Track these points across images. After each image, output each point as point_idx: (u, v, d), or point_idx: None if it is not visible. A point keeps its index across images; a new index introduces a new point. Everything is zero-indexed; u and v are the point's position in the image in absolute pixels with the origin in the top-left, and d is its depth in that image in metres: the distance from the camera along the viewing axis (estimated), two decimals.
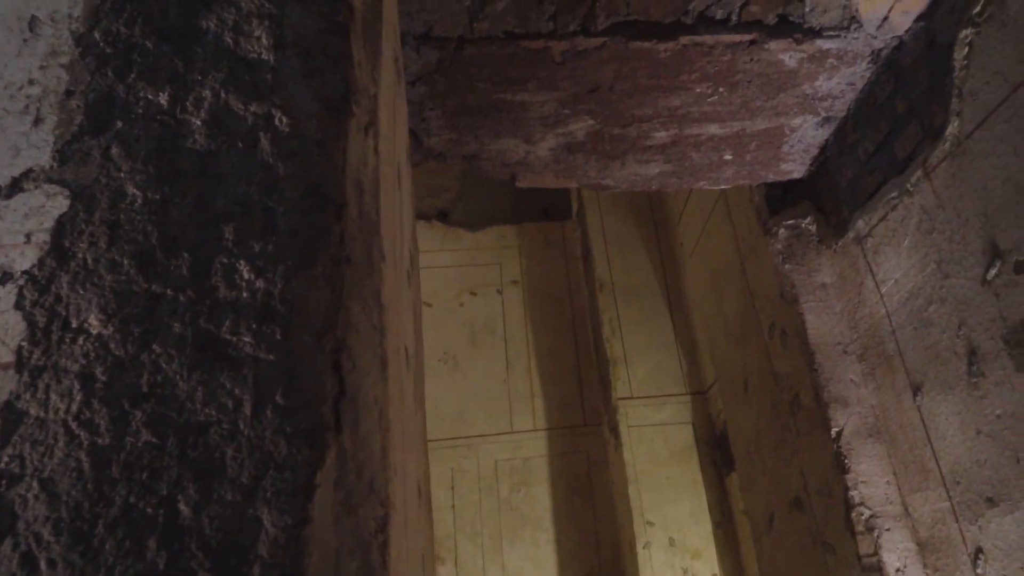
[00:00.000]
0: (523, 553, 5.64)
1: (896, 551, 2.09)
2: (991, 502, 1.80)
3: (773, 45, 2.10)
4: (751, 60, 2.15)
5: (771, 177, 2.65)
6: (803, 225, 2.58)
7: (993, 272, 1.76)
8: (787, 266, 2.51)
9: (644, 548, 5.01)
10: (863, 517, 2.15)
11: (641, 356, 5.60)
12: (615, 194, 6.27)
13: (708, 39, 2.08)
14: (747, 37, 2.08)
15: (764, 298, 2.66)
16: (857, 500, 2.16)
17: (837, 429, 2.26)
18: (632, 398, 5.50)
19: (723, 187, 2.67)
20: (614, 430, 5.44)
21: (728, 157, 2.53)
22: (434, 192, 7.06)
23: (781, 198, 2.68)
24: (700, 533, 5.05)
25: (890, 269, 2.18)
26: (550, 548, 5.65)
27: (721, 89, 2.24)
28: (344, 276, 0.86)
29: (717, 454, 5.13)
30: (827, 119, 2.41)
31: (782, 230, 2.57)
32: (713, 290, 3.13)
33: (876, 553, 2.10)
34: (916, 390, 2.08)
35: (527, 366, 6.28)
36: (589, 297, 6.21)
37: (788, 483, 2.53)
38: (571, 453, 5.96)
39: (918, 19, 2.03)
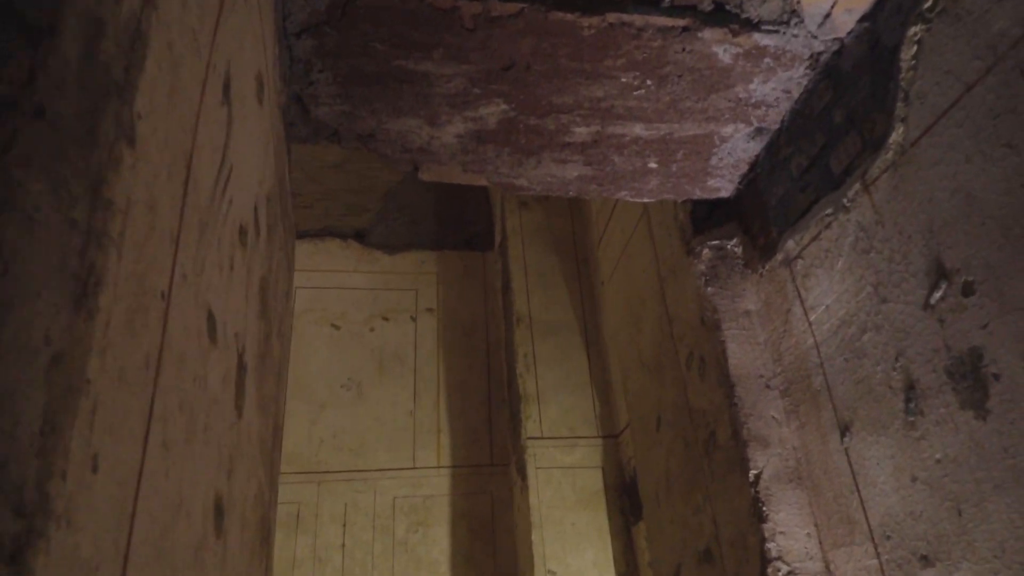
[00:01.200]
0: None
1: None
2: (926, 561, 1.56)
3: (707, 34, 1.89)
4: (683, 50, 1.93)
5: (697, 193, 2.43)
6: (728, 247, 2.36)
7: (937, 295, 1.55)
8: (710, 289, 2.28)
9: None
10: (780, 573, 1.88)
11: (554, 395, 5.32)
12: (539, 227, 6.06)
13: (637, 19, 1.85)
14: (680, 22, 1.86)
15: (684, 324, 2.42)
16: (774, 554, 1.90)
17: (756, 472, 2.00)
18: (542, 438, 5.20)
19: (646, 200, 2.44)
20: (521, 471, 5.12)
21: (653, 165, 2.30)
22: (353, 211, 6.72)
23: (707, 217, 2.46)
24: None
25: (821, 294, 1.96)
26: None
27: (649, 82, 2.01)
28: (18, 130, 0.52)
29: (626, 502, 4.87)
30: (760, 131, 2.21)
31: (706, 250, 2.35)
32: (629, 317, 2.88)
33: None
34: (844, 430, 1.85)
35: (436, 399, 5.92)
36: (506, 331, 5.94)
37: (699, 532, 2.25)
38: (475, 493, 5.60)
39: (862, 19, 1.85)
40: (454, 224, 6.91)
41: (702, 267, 2.32)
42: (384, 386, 5.92)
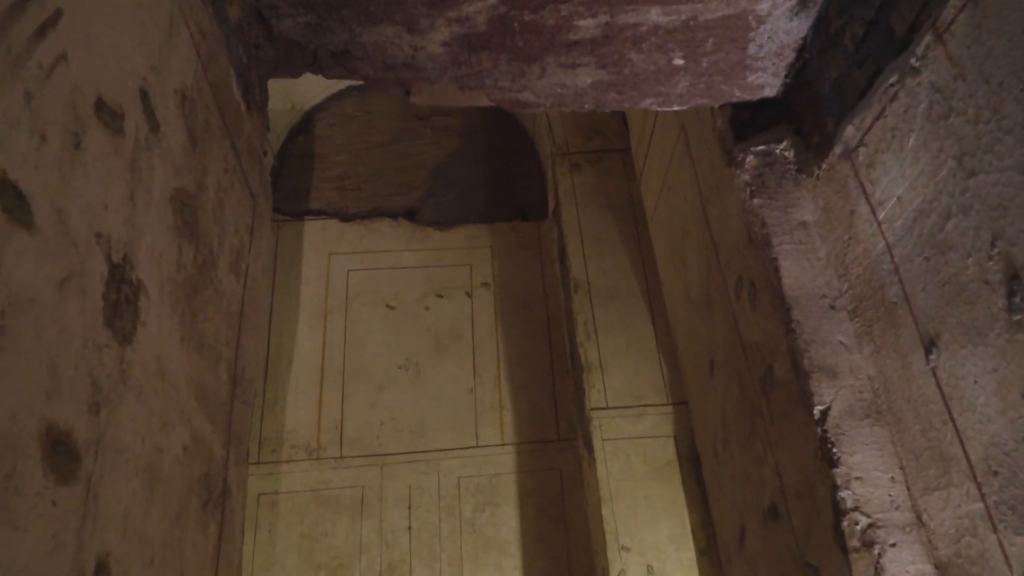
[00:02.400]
0: None
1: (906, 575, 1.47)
2: None
3: None
4: None
5: (737, 94, 2.07)
6: (777, 151, 1.99)
7: None
8: (756, 201, 1.92)
9: None
10: (858, 527, 1.52)
11: (618, 363, 4.98)
12: (593, 190, 5.71)
13: None
14: None
15: (730, 248, 2.07)
16: (849, 504, 1.55)
17: (822, 407, 1.65)
18: (607, 408, 4.89)
19: (676, 107, 2.09)
20: (588, 444, 4.83)
21: (679, 62, 1.96)
22: (401, 190, 6.56)
23: (750, 122, 2.10)
24: (682, 561, 4.40)
25: (890, 184, 1.59)
26: None
27: None
28: None
29: (702, 470, 4.50)
30: (803, 3, 1.83)
31: (750, 157, 1.99)
32: (674, 253, 2.54)
33: None
34: (930, 346, 1.48)
35: (496, 375, 5.69)
36: (564, 299, 5.66)
37: (761, 486, 1.91)
38: (542, 470, 5.35)
39: None
40: (505, 195, 6.67)
41: (746, 177, 1.96)
42: (442, 365, 5.74)
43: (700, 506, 4.50)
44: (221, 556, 1.29)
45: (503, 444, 5.45)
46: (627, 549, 4.49)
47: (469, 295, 6.07)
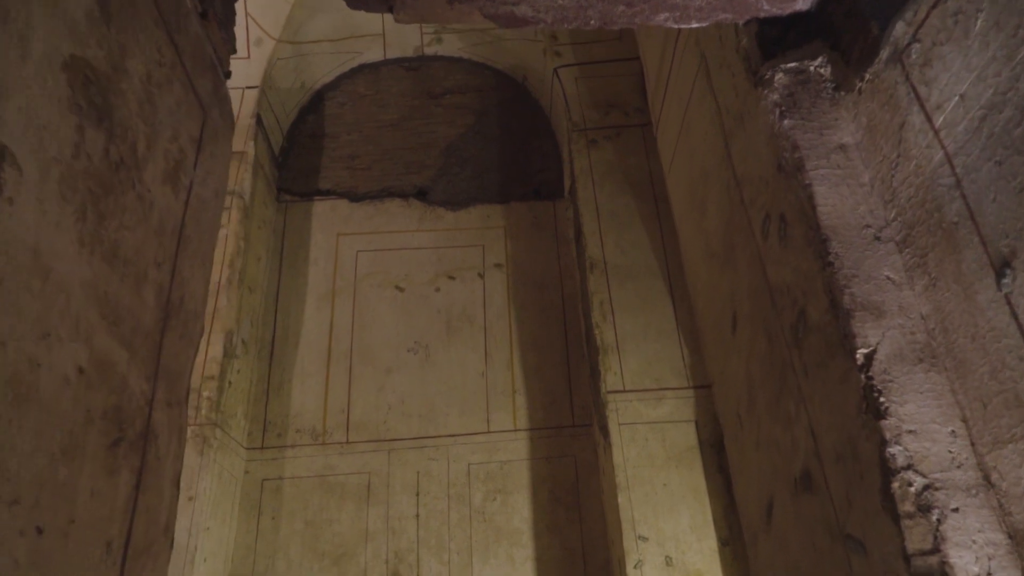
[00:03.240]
0: (497, 571, 4.79)
1: (972, 547, 1.21)
2: None
3: None
4: None
5: (764, 7, 1.81)
6: (812, 68, 1.73)
7: None
8: (786, 122, 1.66)
9: (636, 568, 4.12)
10: (912, 489, 1.27)
11: (636, 344, 4.75)
12: (610, 167, 5.46)
13: None
14: None
15: (756, 182, 1.81)
16: (901, 462, 1.29)
17: (866, 351, 1.39)
18: (624, 391, 4.65)
19: (694, 24, 1.84)
20: (603, 428, 4.60)
21: None
22: (413, 169, 6.36)
23: (779, 40, 1.84)
24: (703, 551, 4.15)
25: (950, 81, 1.33)
26: (528, 567, 4.80)
27: None
28: None
29: (725, 458, 4.23)
30: None
31: (780, 75, 1.73)
32: (693, 202, 2.29)
33: (937, 549, 1.22)
34: (1003, 268, 1.21)
35: (509, 358, 5.47)
36: (580, 279, 5.43)
37: (792, 451, 1.65)
38: (556, 457, 5.13)
39: None
40: (521, 174, 6.46)
41: (775, 97, 1.70)
42: (453, 347, 5.54)
43: (723, 494, 4.24)
44: (139, 510, 1.06)
45: (515, 430, 5.25)
46: (644, 539, 4.27)
47: (481, 276, 5.89)
